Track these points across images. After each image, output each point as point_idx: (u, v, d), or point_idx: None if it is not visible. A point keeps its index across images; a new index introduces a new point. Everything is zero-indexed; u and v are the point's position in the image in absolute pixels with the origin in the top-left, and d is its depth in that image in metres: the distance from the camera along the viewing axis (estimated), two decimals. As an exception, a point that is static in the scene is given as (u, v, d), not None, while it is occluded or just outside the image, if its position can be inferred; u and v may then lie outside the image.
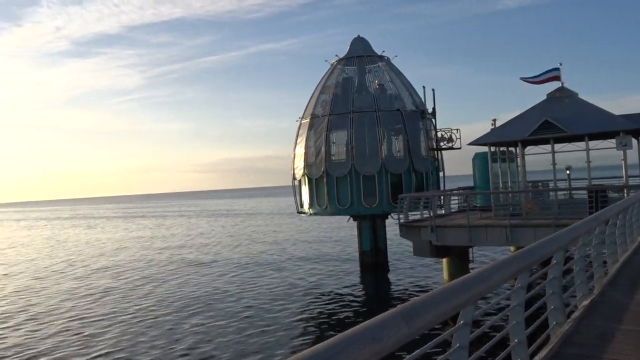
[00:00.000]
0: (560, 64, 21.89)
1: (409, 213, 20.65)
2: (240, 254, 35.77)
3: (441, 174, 29.64)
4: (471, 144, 22.74)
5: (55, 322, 18.13)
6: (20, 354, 14.83)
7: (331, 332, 15.18)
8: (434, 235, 18.44)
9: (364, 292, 24.29)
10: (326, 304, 20.94)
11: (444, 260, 21.15)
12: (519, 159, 21.55)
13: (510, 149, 22.57)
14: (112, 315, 19.11)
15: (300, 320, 18.58)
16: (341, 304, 20.64)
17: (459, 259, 20.69)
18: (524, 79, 22.16)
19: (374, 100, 27.90)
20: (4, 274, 31.08)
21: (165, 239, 42.05)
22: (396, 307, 2.38)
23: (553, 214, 17.35)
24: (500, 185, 22.11)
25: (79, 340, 15.67)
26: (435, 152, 29.09)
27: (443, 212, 22.64)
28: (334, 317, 18.62)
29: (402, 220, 20.30)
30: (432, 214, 19.27)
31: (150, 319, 18.42)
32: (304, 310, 19.93)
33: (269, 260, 32.88)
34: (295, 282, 25.54)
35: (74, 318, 18.84)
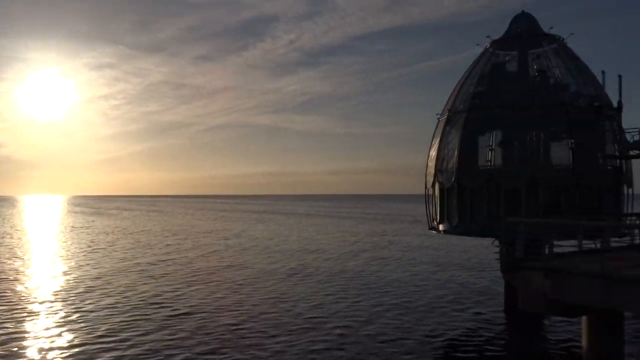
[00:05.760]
0: None
1: (557, 244, 14.53)
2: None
3: (628, 191, 21.50)
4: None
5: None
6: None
7: None
8: (550, 284, 12.37)
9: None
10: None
11: (584, 318, 14.38)
12: None
13: None
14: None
15: None
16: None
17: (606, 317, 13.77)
18: None
19: (531, 93, 21.45)
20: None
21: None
22: None
23: None
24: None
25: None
26: (619, 161, 21.14)
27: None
28: None
29: (513, 254, 14.43)
30: (548, 250, 13.07)
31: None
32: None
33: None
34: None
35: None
